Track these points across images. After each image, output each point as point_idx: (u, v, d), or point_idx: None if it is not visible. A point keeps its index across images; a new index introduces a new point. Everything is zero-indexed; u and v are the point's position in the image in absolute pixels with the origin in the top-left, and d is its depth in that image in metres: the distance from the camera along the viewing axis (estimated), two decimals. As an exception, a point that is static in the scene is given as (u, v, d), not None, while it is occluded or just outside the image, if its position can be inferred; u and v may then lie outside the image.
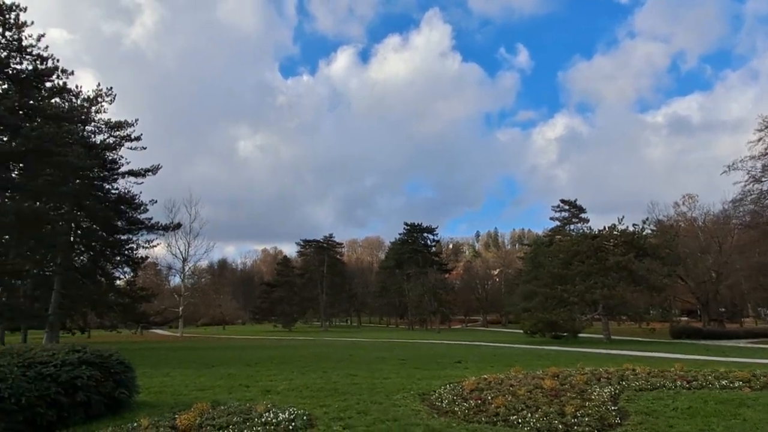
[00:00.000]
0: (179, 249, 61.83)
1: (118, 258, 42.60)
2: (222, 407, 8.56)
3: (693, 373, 12.49)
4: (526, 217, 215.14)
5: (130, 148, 41.83)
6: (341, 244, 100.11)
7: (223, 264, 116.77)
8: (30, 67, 28.71)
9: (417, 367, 17.02)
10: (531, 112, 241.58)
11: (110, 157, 40.87)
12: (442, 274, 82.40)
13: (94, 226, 40.81)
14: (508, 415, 8.10)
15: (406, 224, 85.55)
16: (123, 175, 41.64)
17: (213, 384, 12.84)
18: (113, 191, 41.30)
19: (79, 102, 37.51)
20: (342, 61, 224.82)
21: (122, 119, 41.09)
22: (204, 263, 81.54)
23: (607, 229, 40.20)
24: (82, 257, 41.44)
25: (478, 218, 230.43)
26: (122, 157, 41.44)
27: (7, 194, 28.47)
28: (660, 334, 42.54)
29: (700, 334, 43.10)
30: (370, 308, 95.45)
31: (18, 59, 28.18)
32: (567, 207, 65.65)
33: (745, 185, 38.12)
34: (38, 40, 28.59)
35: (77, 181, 35.17)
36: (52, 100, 32.85)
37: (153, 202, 43.00)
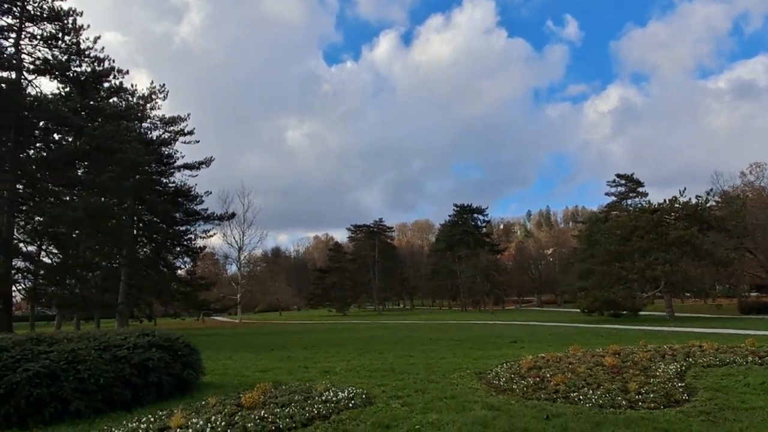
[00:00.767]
0: (234, 238, 63.93)
1: (178, 248, 44.59)
2: (283, 387, 8.84)
3: (766, 348, 11.86)
4: (579, 194, 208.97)
5: (184, 143, 43.62)
6: (391, 228, 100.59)
7: (276, 252, 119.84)
8: (88, 69, 30.08)
9: (472, 348, 16.97)
10: (582, 85, 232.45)
11: (166, 152, 42.68)
12: (494, 255, 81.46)
13: (155, 218, 42.81)
14: (568, 392, 7.96)
15: (455, 206, 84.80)
16: (179, 168, 43.47)
17: (273, 366, 13.24)
18: (170, 185, 43.20)
19: (134, 100, 39.21)
20: (384, 45, 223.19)
21: (175, 115, 42.76)
22: (258, 252, 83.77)
23: (667, 202, 38.52)
24: (145, 249, 43.61)
25: (528, 197, 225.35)
26: (177, 152, 43.30)
27: (75, 191, 30.15)
28: (727, 311, 40.59)
29: (771, 309, 40.80)
30: (422, 291, 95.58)
31: (77, 62, 29.59)
32: (623, 181, 63.30)
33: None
34: (95, 42, 29.91)
35: (137, 176, 36.86)
36: (111, 100, 34.46)
37: (208, 193, 44.75)
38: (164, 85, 41.46)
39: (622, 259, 37.81)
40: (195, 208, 44.01)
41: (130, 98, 38.87)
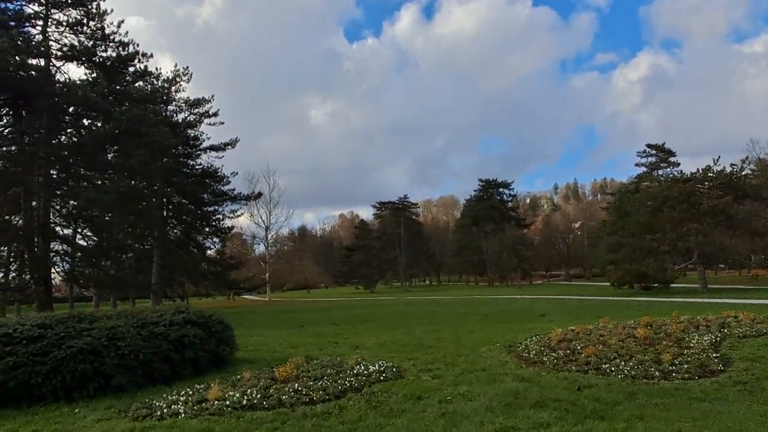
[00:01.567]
0: (261, 218, 64.91)
1: (207, 229, 45.46)
2: (315, 361, 9.02)
3: (805, 318, 11.57)
4: (607, 166, 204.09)
5: (209, 124, 44.06)
6: (416, 204, 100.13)
7: (303, 231, 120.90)
8: (113, 54, 30.39)
9: (500, 322, 16.99)
10: (610, 54, 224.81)
11: (192, 134, 43.18)
12: (521, 230, 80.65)
13: (184, 200, 43.62)
14: (599, 363, 7.93)
15: (480, 180, 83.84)
16: (205, 150, 44.04)
17: (304, 342, 13.50)
18: (197, 166, 43.84)
19: (159, 84, 39.56)
20: (406, 19, 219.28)
21: (200, 97, 43.13)
22: (285, 231, 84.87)
23: (700, 171, 37.39)
24: (175, 230, 44.55)
25: (554, 171, 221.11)
26: (203, 134, 43.82)
27: (106, 175, 30.84)
28: (764, 281, 39.54)
29: (810, 279, 39.64)
30: (448, 267, 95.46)
31: (103, 47, 29.89)
32: (654, 151, 61.56)
33: None
34: (118, 27, 30.11)
35: (165, 159, 37.44)
36: (136, 84, 34.80)
37: (234, 174, 45.28)
38: (188, 67, 41.69)
39: (653, 231, 37.01)
40: (222, 188, 44.68)
41: (155, 82, 39.22)
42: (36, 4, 28.14)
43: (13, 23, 27.76)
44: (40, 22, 28.28)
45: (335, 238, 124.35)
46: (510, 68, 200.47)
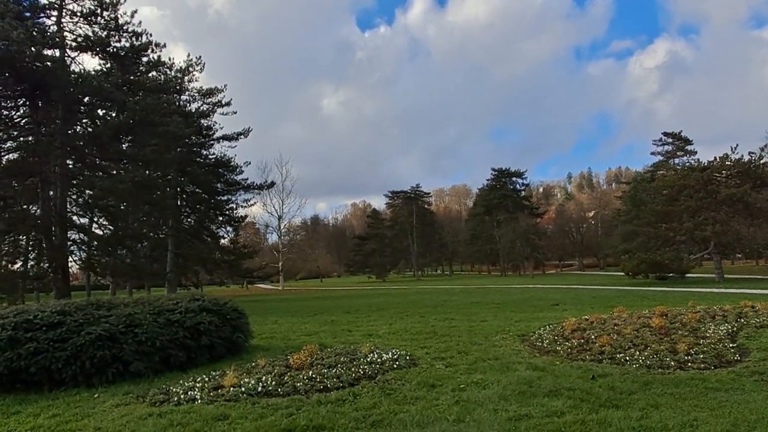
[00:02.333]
0: (274, 207, 65.13)
1: (221, 218, 45.85)
2: (329, 349, 9.09)
3: (825, 308, 11.40)
4: (622, 155, 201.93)
5: (222, 114, 44.27)
6: (428, 193, 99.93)
7: (315, 220, 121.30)
8: (127, 44, 30.55)
9: (513, 311, 16.95)
10: (627, 40, 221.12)
11: (205, 124, 43.44)
12: (534, 219, 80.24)
13: (197, 189, 43.97)
14: (614, 353, 7.89)
15: (493, 169, 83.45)
16: (218, 140, 44.30)
17: (318, 330, 13.60)
18: (211, 156, 44.17)
19: (172, 74, 39.72)
20: (418, 7, 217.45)
21: (212, 86, 43.28)
22: (298, 220, 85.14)
23: (718, 159, 36.81)
24: (189, 219, 44.99)
25: (568, 159, 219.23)
26: (216, 123, 44.07)
27: (121, 165, 31.14)
28: (782, 272, 39.03)
29: (830, 269, 39.02)
30: (461, 256, 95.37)
31: (116, 37, 30.06)
32: (670, 140, 60.89)
33: None
34: (132, 17, 30.21)
35: (179, 149, 37.70)
36: (150, 74, 34.96)
37: (247, 163, 45.65)
38: (200, 57, 41.87)
39: (668, 220, 36.61)
40: (235, 178, 44.98)
41: (168, 72, 39.38)
42: (51, -6, 28.33)
43: (28, 14, 28.03)
44: (55, 13, 28.50)
45: (348, 228, 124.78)
46: (523, 56, 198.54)
